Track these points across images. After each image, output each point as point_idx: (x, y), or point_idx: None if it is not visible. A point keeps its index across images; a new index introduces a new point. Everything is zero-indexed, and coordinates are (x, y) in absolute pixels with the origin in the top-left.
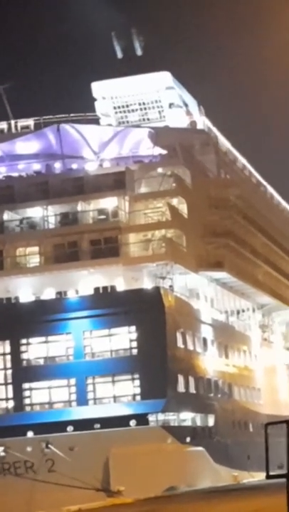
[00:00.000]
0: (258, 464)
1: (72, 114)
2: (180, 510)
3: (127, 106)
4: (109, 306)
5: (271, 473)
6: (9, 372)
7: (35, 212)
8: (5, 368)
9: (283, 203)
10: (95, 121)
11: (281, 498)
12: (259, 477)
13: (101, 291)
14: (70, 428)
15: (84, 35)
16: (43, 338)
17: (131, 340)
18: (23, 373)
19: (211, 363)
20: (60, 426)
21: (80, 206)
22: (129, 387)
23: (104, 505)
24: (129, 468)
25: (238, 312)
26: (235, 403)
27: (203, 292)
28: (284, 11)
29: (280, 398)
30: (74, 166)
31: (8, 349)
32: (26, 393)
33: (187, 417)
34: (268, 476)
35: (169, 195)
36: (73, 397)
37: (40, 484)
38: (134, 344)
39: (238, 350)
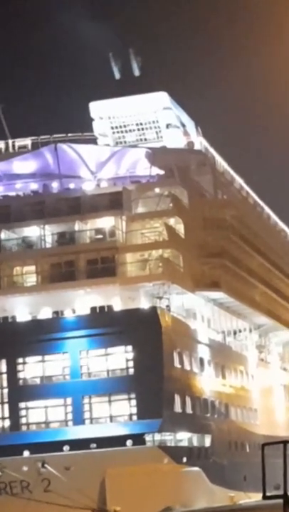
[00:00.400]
0: (255, 485)
1: (69, 134)
2: None
3: (125, 126)
4: (106, 326)
5: (268, 493)
6: (5, 391)
7: (32, 231)
8: (1, 387)
9: (280, 223)
10: (93, 141)
11: None
12: (256, 498)
13: (98, 310)
14: (66, 448)
15: (82, 55)
16: (39, 358)
17: (127, 360)
18: (19, 392)
19: (208, 383)
20: (56, 445)
21: (77, 226)
22: (125, 406)
23: None
24: (126, 488)
25: (234, 332)
26: (231, 423)
27: (200, 312)
28: (282, 29)
29: (277, 419)
30: (71, 186)
31: (4, 368)
32: (22, 412)
33: (184, 437)
34: (265, 497)
35: (166, 215)
36: (70, 416)
37: (36, 504)
38: (131, 364)
39: (234, 370)
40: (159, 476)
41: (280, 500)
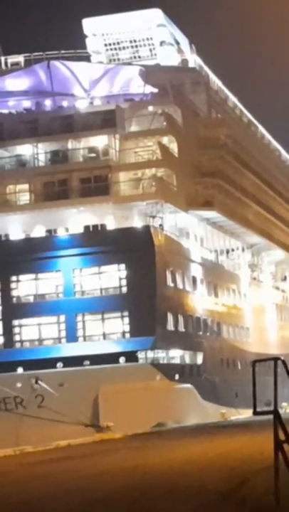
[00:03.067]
0: (246, 402)
1: (62, 51)
2: (168, 446)
3: (118, 43)
4: (99, 245)
5: (258, 409)
6: None
7: (24, 149)
8: None
9: (274, 142)
10: (86, 58)
11: (268, 434)
12: (246, 414)
13: (91, 229)
14: (59, 364)
15: None
16: (32, 276)
17: (120, 279)
18: (13, 310)
19: (200, 301)
20: (49, 362)
21: (70, 144)
22: (118, 324)
23: (93, 440)
24: (118, 405)
25: (227, 251)
26: (223, 341)
27: (193, 231)
28: None
29: (269, 337)
30: (64, 104)
31: None
32: (16, 330)
33: (176, 355)
34: (255, 413)
35: (159, 134)
36: (63, 334)
37: (30, 419)
38: (124, 282)
39: (227, 289)
40: (152, 392)
41: (271, 416)
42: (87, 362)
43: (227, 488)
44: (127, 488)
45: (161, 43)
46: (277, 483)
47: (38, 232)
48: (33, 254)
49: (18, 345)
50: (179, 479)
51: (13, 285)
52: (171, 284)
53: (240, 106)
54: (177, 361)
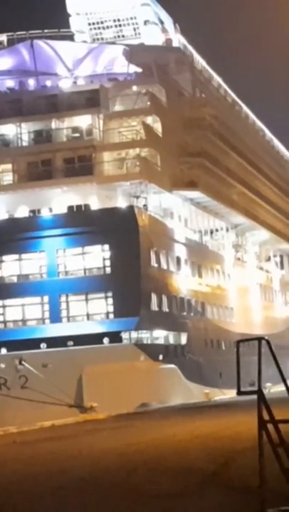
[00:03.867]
0: (230, 382)
1: (46, 30)
2: (152, 426)
3: (102, 22)
4: (83, 225)
5: (242, 389)
6: None
7: (8, 129)
8: None
9: (258, 122)
10: (70, 37)
11: (252, 414)
12: (230, 394)
13: (75, 209)
14: (43, 345)
15: None
16: (16, 256)
17: (104, 259)
18: None
19: (185, 282)
20: (33, 343)
21: (53, 124)
22: (102, 305)
23: (77, 421)
24: (102, 385)
25: (211, 232)
26: (207, 322)
27: (177, 212)
28: None
29: (253, 317)
30: (48, 83)
31: None
32: None
33: (160, 335)
34: (239, 393)
35: (143, 114)
36: (46, 314)
37: (14, 400)
38: (108, 263)
39: (211, 269)
40: (136, 373)
41: (255, 396)
42: (71, 342)
43: (213, 468)
44: (112, 469)
45: (145, 22)
46: (262, 462)
47: (22, 212)
48: (17, 235)
49: (1, 325)
50: (164, 459)
51: None
52: (155, 265)
53: (224, 86)
54: (161, 341)
